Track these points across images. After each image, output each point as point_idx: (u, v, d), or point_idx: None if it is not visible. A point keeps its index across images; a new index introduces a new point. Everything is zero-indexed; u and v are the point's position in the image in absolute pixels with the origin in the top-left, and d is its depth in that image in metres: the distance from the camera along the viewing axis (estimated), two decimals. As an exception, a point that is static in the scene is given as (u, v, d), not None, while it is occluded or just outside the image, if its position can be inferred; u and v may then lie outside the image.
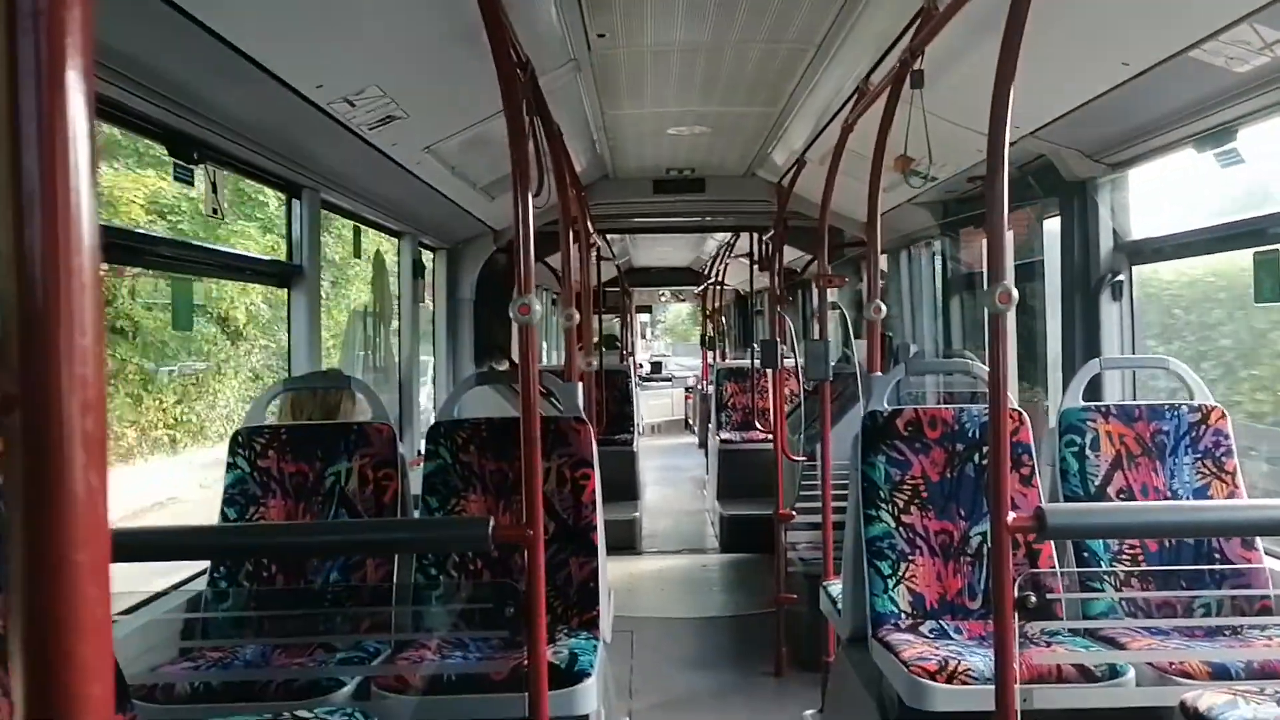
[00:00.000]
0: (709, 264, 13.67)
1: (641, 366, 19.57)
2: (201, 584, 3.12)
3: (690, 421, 16.43)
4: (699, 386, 15.21)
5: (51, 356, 0.50)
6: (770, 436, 7.11)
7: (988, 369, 2.15)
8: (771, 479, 5.73)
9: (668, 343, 27.56)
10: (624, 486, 8.58)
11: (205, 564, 3.14)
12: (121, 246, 3.19)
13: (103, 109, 2.81)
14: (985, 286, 2.09)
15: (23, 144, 0.50)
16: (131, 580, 2.82)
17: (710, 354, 14.44)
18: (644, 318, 24.70)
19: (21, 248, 0.49)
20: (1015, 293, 2.07)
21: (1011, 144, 3.69)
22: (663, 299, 21.68)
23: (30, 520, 0.50)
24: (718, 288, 13.74)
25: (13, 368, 0.49)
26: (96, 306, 0.51)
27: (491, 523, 2.09)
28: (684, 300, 21.72)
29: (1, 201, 0.50)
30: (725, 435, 9.48)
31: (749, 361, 10.11)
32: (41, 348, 0.50)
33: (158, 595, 3.10)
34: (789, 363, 6.27)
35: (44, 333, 0.50)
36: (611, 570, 3.55)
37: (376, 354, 5.64)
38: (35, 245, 0.50)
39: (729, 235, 10.26)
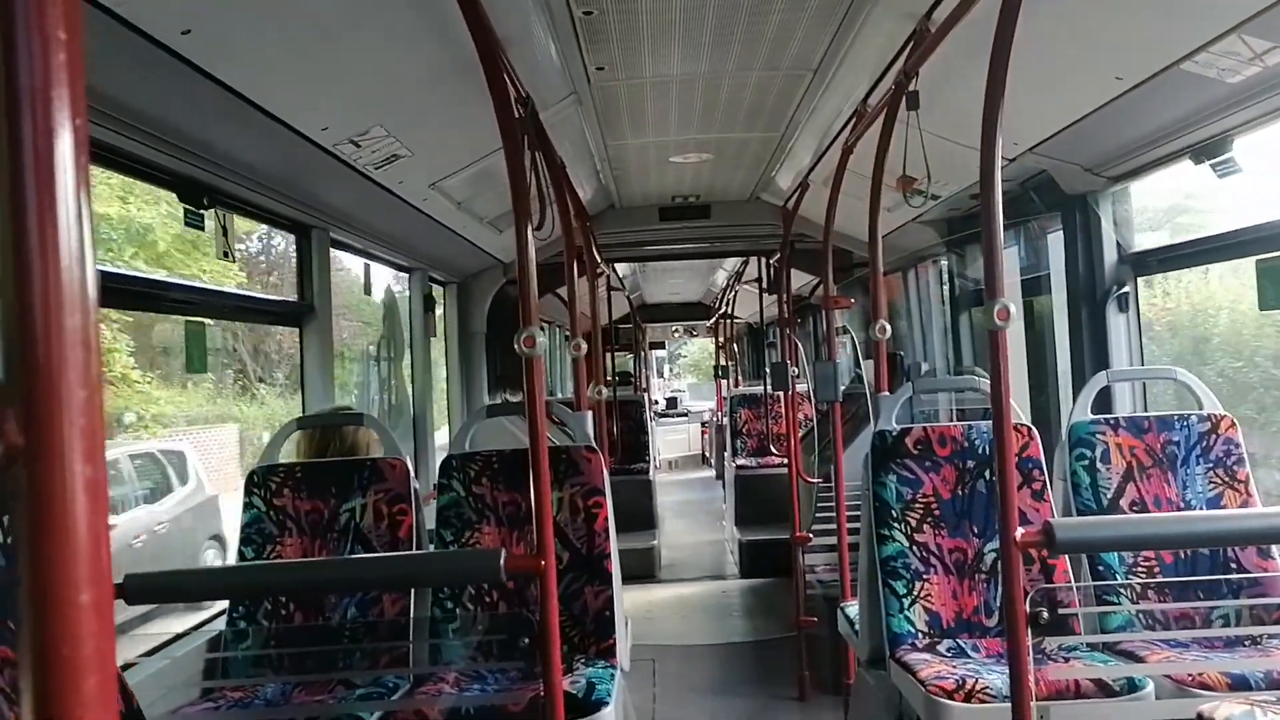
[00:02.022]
0: (719, 296, 13.73)
1: (657, 404, 19.59)
2: (221, 624, 3.14)
3: (707, 455, 16.44)
4: (714, 419, 15.24)
5: (54, 407, 0.53)
6: (785, 460, 7.11)
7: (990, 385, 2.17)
8: (788, 502, 5.73)
9: (691, 382, 27.18)
10: (641, 516, 8.57)
11: (224, 605, 3.17)
12: (134, 292, 3.24)
13: (113, 159, 2.87)
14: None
15: (21, 197, 0.53)
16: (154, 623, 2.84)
17: (724, 383, 14.48)
18: (660, 353, 24.71)
19: (21, 301, 0.52)
20: (1014, 309, 2.09)
21: (1011, 160, 3.75)
22: (676, 334, 21.74)
23: (36, 566, 0.52)
24: (728, 320, 13.80)
25: (18, 418, 0.52)
26: (95, 356, 0.54)
27: (503, 553, 2.10)
28: (696, 335, 21.78)
29: (2, 283, 0.53)
30: (741, 461, 9.47)
31: (762, 388, 10.13)
32: (43, 399, 0.53)
33: (178, 637, 3.12)
34: (801, 387, 6.28)
35: (46, 384, 0.53)
36: (631, 599, 3.56)
37: (389, 390, 5.68)
38: (35, 299, 0.52)
39: (737, 264, 10.31)
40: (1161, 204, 4.32)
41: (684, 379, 27.68)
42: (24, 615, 0.52)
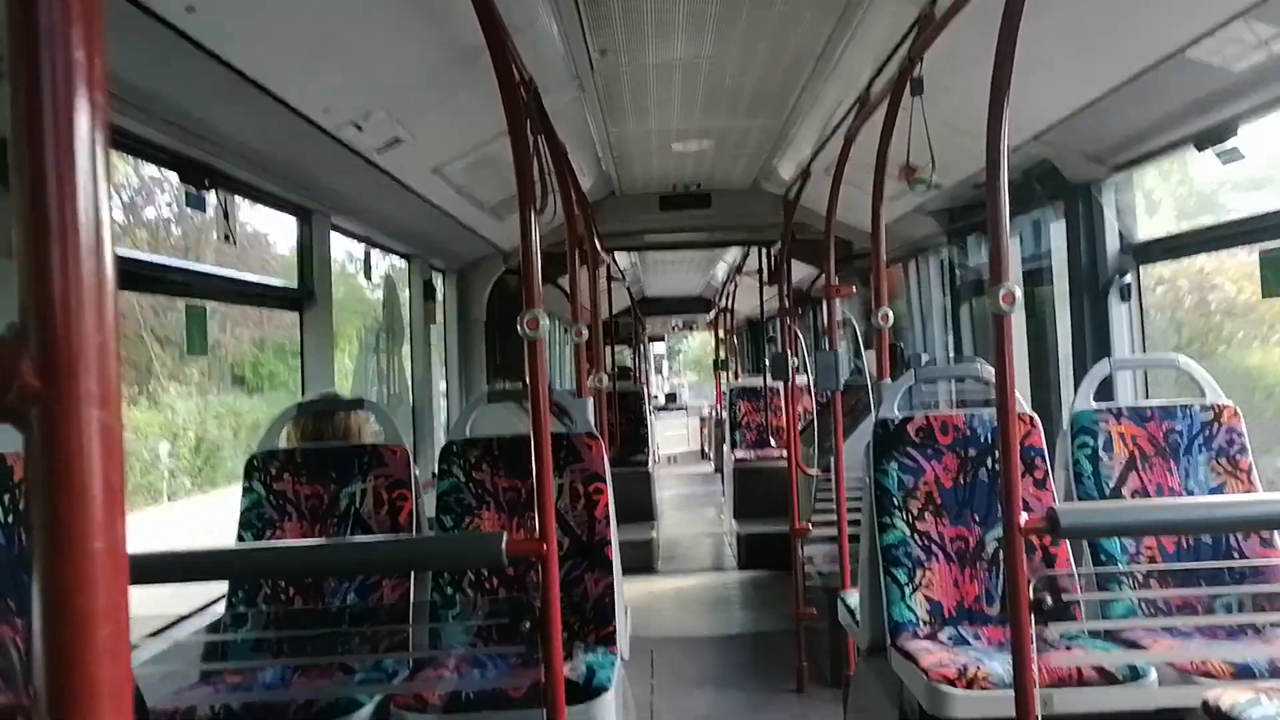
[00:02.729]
0: (719, 290, 13.73)
1: (656, 398, 19.60)
2: (221, 609, 3.14)
3: (706, 450, 16.46)
4: (712, 414, 15.25)
5: (70, 352, 0.52)
6: (784, 453, 7.11)
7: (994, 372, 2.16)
8: (787, 495, 5.73)
9: (691, 380, 26.91)
10: (640, 508, 8.57)
11: (224, 589, 3.16)
12: (134, 274, 3.23)
13: (115, 138, 2.85)
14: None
15: (40, 143, 0.52)
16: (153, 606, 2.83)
17: (724, 376, 14.48)
18: (659, 349, 24.63)
19: (38, 246, 0.52)
20: (1018, 294, 2.08)
21: (1014, 149, 3.74)
22: (675, 328, 21.70)
23: (49, 511, 0.51)
24: (729, 314, 13.80)
25: (35, 362, 0.51)
26: (111, 302, 0.53)
27: (505, 537, 2.10)
28: (695, 329, 21.76)
29: (22, 228, 0.52)
30: (740, 454, 9.46)
31: (761, 381, 10.12)
32: (60, 345, 0.52)
33: (178, 620, 3.12)
34: (801, 379, 6.27)
35: (63, 330, 0.52)
36: (630, 590, 3.55)
37: (388, 378, 5.67)
38: (52, 244, 0.52)
39: (738, 256, 10.29)
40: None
41: (684, 376, 27.51)
42: (37, 562, 0.51)
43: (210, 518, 8.31)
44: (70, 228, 0.52)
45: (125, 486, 0.54)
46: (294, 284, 4.16)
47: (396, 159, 3.72)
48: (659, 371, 25.39)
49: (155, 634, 2.96)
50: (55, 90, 0.53)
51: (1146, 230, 4.04)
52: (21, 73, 0.53)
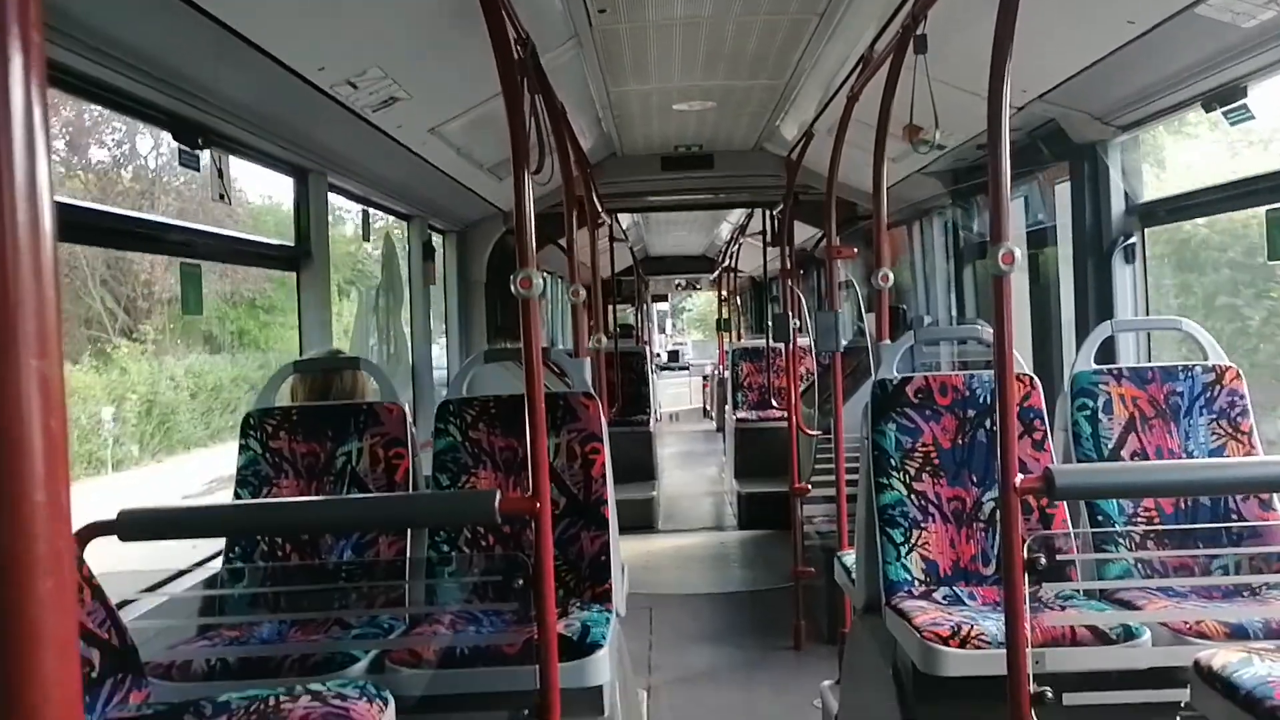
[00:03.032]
0: (723, 250, 13.67)
1: (658, 356, 19.58)
2: (217, 565, 3.15)
3: (708, 409, 16.48)
4: (715, 373, 15.25)
5: (6, 302, 0.51)
6: (785, 414, 7.12)
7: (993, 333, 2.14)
8: (787, 456, 5.74)
9: (696, 340, 26.59)
10: (641, 467, 8.60)
11: (220, 545, 3.17)
12: (130, 233, 3.21)
13: (106, 96, 2.83)
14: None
15: None
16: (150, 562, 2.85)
17: (726, 337, 14.47)
18: (663, 307, 24.50)
19: None
20: (1018, 254, 2.06)
21: (1019, 108, 3.69)
22: (679, 287, 21.60)
23: None
24: (732, 274, 13.74)
25: None
26: (50, 248, 0.52)
27: (498, 495, 2.10)
28: (699, 288, 21.66)
29: None
30: (742, 414, 9.48)
31: (764, 342, 10.11)
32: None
33: (175, 576, 3.13)
34: (803, 341, 6.26)
35: (1, 298, 0.50)
36: (629, 548, 3.56)
37: (387, 337, 5.67)
38: None
39: (742, 217, 10.23)
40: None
41: (689, 335, 27.34)
42: None
43: (164, 485, 8.06)
44: (4, 173, 0.50)
45: (67, 434, 0.53)
46: (290, 243, 4.13)
47: (393, 118, 3.68)
48: (662, 331, 25.30)
49: (152, 588, 2.98)
50: None
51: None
52: None
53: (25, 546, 0.50)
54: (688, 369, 19.77)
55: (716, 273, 14.87)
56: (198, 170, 3.26)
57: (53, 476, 0.51)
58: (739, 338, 15.18)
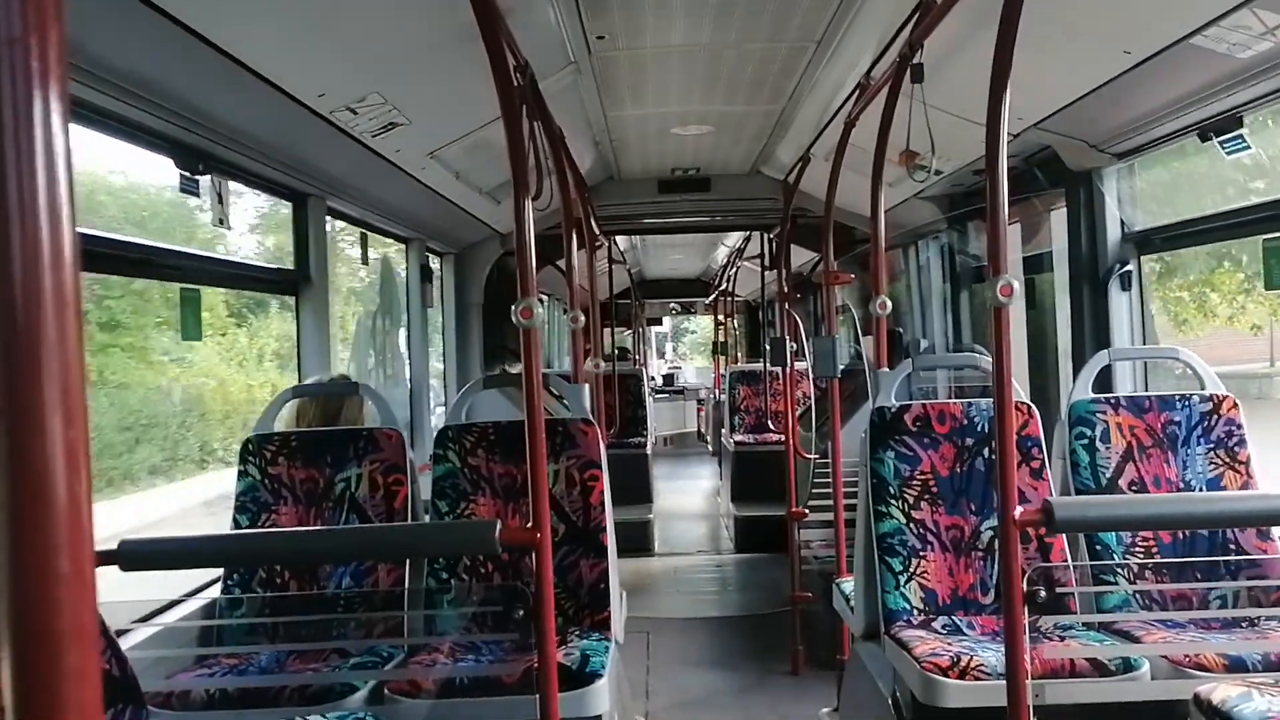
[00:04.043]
0: (719, 273, 13.69)
1: (654, 380, 19.52)
2: (215, 592, 3.14)
3: (704, 433, 16.44)
4: (710, 397, 15.22)
5: (33, 369, 0.51)
6: (782, 437, 7.11)
7: (992, 362, 2.15)
8: (784, 479, 5.73)
9: (699, 365, 26.37)
10: (638, 489, 8.58)
11: (219, 573, 3.16)
12: (128, 259, 3.21)
13: (108, 123, 2.83)
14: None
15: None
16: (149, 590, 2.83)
17: (723, 360, 14.45)
18: (659, 329, 24.39)
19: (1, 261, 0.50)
20: (1017, 285, 2.07)
21: (1015, 136, 3.71)
22: (674, 310, 21.54)
23: (14, 533, 0.50)
24: (729, 298, 13.77)
25: None
26: (76, 316, 0.52)
27: (498, 525, 2.09)
28: (694, 312, 21.63)
29: None
30: (738, 438, 9.47)
31: (761, 366, 10.12)
32: (22, 361, 0.50)
33: (173, 603, 3.11)
34: (800, 364, 6.27)
35: (25, 345, 0.50)
36: (626, 572, 3.55)
37: (384, 361, 5.66)
38: (14, 257, 0.50)
39: (739, 240, 10.25)
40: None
41: (691, 361, 27.11)
42: (3, 585, 0.50)
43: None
44: (31, 241, 0.50)
45: (91, 503, 0.53)
46: (290, 267, 4.13)
47: (392, 143, 3.69)
48: (660, 355, 25.22)
49: (149, 617, 2.96)
50: (12, 62, 0.51)
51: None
52: None
53: (50, 619, 0.50)
54: (683, 392, 19.70)
55: (713, 296, 14.89)
56: (197, 195, 3.26)
57: (77, 545, 0.51)
58: (735, 362, 15.18)
